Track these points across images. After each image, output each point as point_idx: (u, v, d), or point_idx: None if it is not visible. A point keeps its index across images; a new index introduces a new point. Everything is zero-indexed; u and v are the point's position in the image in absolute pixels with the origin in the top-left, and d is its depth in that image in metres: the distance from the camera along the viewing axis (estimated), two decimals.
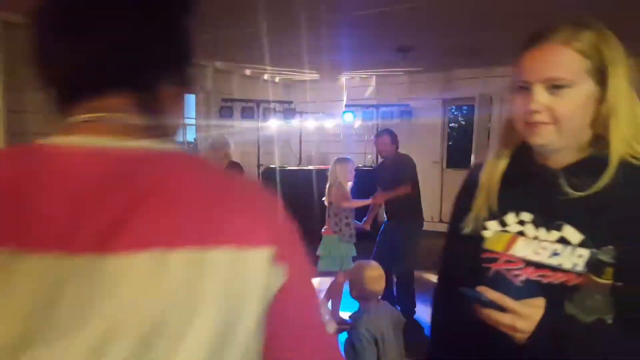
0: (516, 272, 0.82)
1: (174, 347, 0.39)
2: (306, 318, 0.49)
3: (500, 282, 0.82)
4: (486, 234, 0.89)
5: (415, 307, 3.64)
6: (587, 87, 0.78)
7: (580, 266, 0.76)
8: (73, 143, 0.45)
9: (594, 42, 0.79)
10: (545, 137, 0.80)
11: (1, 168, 0.44)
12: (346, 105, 7.05)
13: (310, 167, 6.68)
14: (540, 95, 0.79)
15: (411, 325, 3.11)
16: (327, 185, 3.62)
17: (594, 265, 0.75)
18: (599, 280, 0.74)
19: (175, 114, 0.51)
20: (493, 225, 0.88)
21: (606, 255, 0.74)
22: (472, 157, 6.49)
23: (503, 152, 0.90)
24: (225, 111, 6.18)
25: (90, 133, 0.45)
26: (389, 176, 3.60)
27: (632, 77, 0.81)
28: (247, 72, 7.11)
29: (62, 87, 0.47)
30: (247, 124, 6.38)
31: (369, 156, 6.97)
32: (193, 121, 6.58)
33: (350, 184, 3.60)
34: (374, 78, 7.49)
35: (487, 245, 0.88)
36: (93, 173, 0.43)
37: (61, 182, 0.42)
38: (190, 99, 6.50)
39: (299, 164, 7.19)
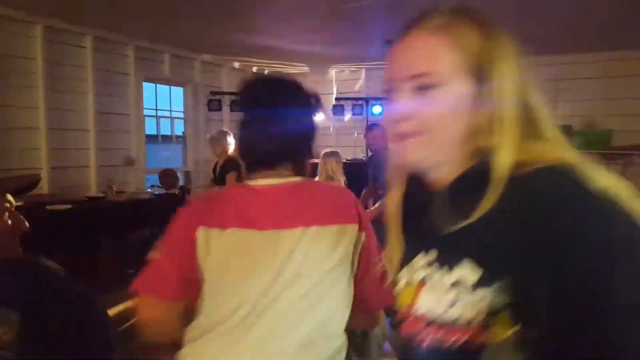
0: (420, 336, 0.64)
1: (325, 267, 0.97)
2: (372, 259, 1.01)
3: (408, 352, 0.66)
4: (397, 287, 0.70)
5: None
6: (462, 87, 0.62)
7: (483, 315, 0.57)
8: (261, 183, 1.03)
9: (473, 33, 0.65)
10: (415, 152, 0.63)
11: (233, 191, 1.14)
12: (336, 99, 7.03)
13: None
14: (405, 98, 0.63)
15: None
16: (319, 180, 3.61)
17: (495, 311, 0.57)
18: (503, 331, 0.56)
19: (308, 168, 1.13)
20: (403, 274, 0.70)
21: (503, 294, 0.56)
22: None
23: (396, 180, 0.73)
24: (214, 104, 6.12)
25: (263, 180, 1.04)
26: (384, 171, 3.64)
27: (529, 75, 0.68)
28: (236, 64, 7.03)
29: (255, 161, 1.05)
30: (235, 117, 6.31)
31: (359, 150, 6.98)
32: (181, 114, 6.48)
33: (343, 179, 3.60)
34: (363, 71, 7.48)
35: (399, 302, 0.69)
36: (274, 193, 1.01)
37: (259, 197, 1.01)
38: (178, 92, 6.41)
39: None
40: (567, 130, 5.43)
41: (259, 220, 0.96)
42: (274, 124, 1.02)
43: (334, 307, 0.96)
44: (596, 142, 5.87)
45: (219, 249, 0.95)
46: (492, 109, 0.62)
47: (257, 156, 1.04)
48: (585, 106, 6.07)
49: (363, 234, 1.02)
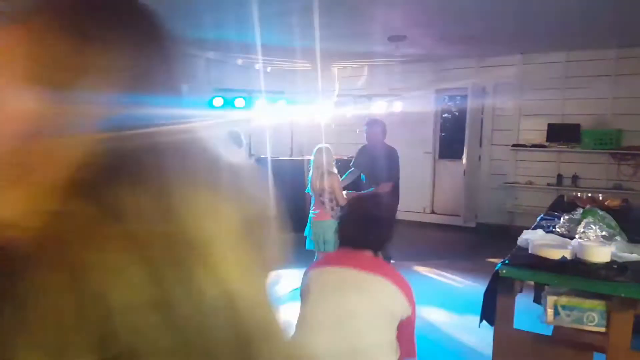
0: None
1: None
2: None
3: None
4: None
5: None
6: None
7: None
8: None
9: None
10: None
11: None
12: (338, 95, 7.01)
13: (302, 157, 6.66)
14: None
15: None
16: (316, 174, 3.65)
17: None
18: None
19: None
20: None
21: None
22: (465, 148, 6.51)
23: None
24: (217, 101, 6.12)
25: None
26: (377, 167, 3.62)
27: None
28: (239, 61, 7.03)
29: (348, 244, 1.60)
30: (238, 113, 6.31)
31: (360, 146, 6.96)
32: None
33: (336, 171, 3.68)
34: (366, 68, 7.45)
35: None
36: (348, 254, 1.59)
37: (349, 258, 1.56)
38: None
39: (291, 154, 7.16)
40: (576, 129, 5.41)
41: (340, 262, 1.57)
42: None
43: None
44: (606, 141, 5.81)
45: None
46: None
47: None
48: (595, 104, 6.00)
49: (410, 309, 1.52)
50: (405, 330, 1.44)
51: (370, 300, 1.38)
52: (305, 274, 1.57)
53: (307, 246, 3.65)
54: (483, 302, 2.25)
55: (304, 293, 1.52)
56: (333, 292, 1.43)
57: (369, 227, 1.52)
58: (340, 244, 1.57)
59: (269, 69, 7.72)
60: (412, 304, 1.46)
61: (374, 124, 3.81)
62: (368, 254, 1.52)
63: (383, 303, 1.39)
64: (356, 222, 1.55)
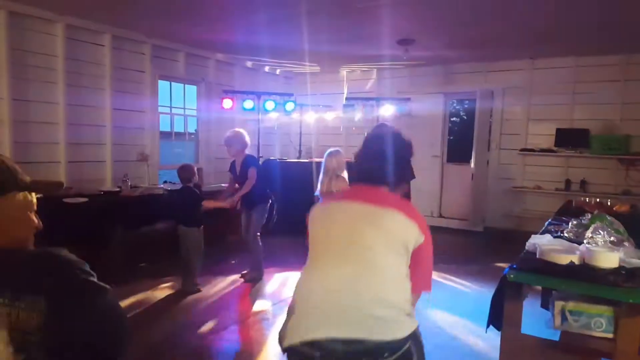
0: None
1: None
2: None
3: None
4: None
5: None
6: None
7: None
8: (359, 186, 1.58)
9: None
10: None
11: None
12: (347, 99, 7.05)
13: (310, 160, 6.69)
14: None
15: None
16: (328, 177, 3.67)
17: None
18: None
19: (402, 191, 1.58)
20: None
21: None
22: (473, 152, 6.50)
23: None
24: (227, 103, 6.18)
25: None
26: None
27: None
28: (249, 64, 7.10)
29: (365, 179, 1.56)
30: (247, 115, 6.37)
31: None
32: (194, 112, 6.58)
33: (346, 174, 3.70)
34: (375, 71, 7.48)
35: None
36: (368, 190, 1.54)
37: (361, 193, 1.53)
38: (192, 90, 6.50)
39: (299, 157, 7.20)
40: (584, 134, 5.38)
41: (354, 197, 1.57)
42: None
43: None
44: (614, 146, 5.78)
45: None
46: None
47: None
48: (603, 110, 5.97)
49: (424, 236, 1.48)
50: (419, 261, 1.41)
51: (381, 232, 1.39)
52: (312, 209, 1.57)
53: None
54: (490, 306, 2.27)
55: (313, 224, 1.52)
56: (342, 225, 1.44)
57: (386, 161, 1.50)
58: (356, 179, 1.57)
59: (278, 72, 7.78)
60: (425, 233, 1.43)
61: (383, 128, 3.83)
62: (384, 189, 1.50)
63: (395, 234, 1.39)
64: (372, 156, 1.54)
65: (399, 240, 1.39)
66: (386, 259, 1.37)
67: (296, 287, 1.47)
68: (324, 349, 1.26)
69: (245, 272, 4.49)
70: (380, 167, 1.50)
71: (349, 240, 1.40)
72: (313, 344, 1.28)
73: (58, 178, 4.69)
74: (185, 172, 4.07)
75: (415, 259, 1.41)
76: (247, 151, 4.39)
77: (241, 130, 4.47)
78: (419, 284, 1.43)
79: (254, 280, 4.37)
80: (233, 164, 4.42)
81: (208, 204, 4.08)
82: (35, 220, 1.05)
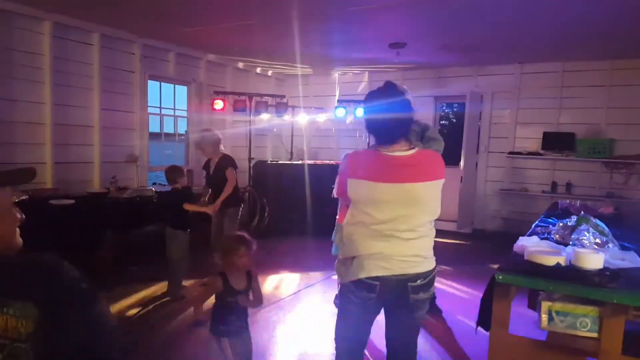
0: None
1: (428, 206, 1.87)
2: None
3: None
4: None
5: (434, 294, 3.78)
6: None
7: None
8: (389, 152, 1.81)
9: None
10: None
11: (364, 153, 1.91)
12: (338, 101, 7.07)
13: (301, 162, 6.70)
14: None
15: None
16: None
17: None
18: None
19: (411, 142, 1.90)
20: None
21: None
22: (462, 155, 6.58)
23: None
24: (218, 104, 6.16)
25: (396, 152, 1.82)
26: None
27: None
28: (240, 65, 7.08)
29: (381, 137, 1.86)
30: (238, 116, 6.36)
31: None
32: (185, 113, 6.53)
33: None
34: (366, 74, 7.52)
35: None
36: (397, 159, 1.81)
37: (388, 161, 1.81)
38: (182, 91, 6.46)
39: (291, 158, 7.20)
40: (570, 138, 5.47)
41: (395, 177, 1.81)
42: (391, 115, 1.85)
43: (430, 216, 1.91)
44: (599, 150, 5.90)
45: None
46: None
47: (384, 135, 1.85)
48: (590, 114, 6.09)
49: (443, 180, 1.89)
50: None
51: (425, 204, 1.84)
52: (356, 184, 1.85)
53: (333, 251, 3.60)
54: (480, 308, 2.29)
55: (358, 198, 1.85)
56: (391, 205, 1.82)
57: (397, 120, 1.83)
58: (378, 141, 1.87)
59: (270, 73, 7.77)
60: (444, 175, 1.89)
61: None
62: (402, 141, 1.83)
63: (435, 198, 1.87)
64: (386, 116, 1.83)
65: (434, 202, 1.87)
66: (422, 223, 1.86)
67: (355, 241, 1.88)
68: (382, 280, 1.82)
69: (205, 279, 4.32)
70: (393, 126, 1.83)
71: (399, 219, 1.83)
72: (376, 278, 1.82)
73: (44, 179, 4.62)
74: (170, 173, 4.00)
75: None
76: (224, 150, 4.24)
77: (210, 128, 4.41)
78: None
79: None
80: (207, 165, 4.29)
81: (189, 207, 3.93)
82: (17, 214, 1.03)
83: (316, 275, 4.72)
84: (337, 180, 1.95)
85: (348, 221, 1.88)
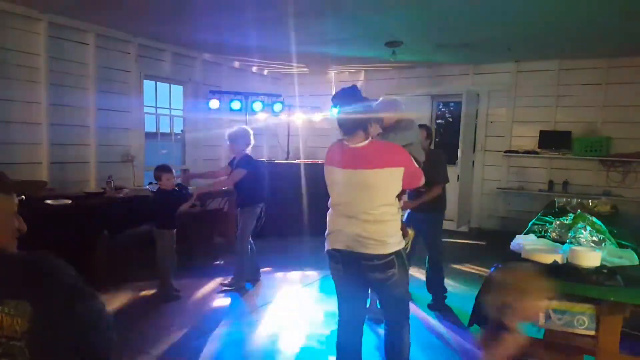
0: None
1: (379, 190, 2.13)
2: (412, 174, 2.22)
3: None
4: None
5: (446, 292, 3.85)
6: None
7: None
8: (349, 144, 2.16)
9: None
10: None
11: (334, 145, 2.27)
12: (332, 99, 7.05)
13: (298, 161, 6.69)
14: None
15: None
16: None
17: None
18: None
19: (373, 132, 2.25)
20: None
21: None
22: (459, 154, 6.58)
23: None
24: (213, 103, 6.14)
25: (351, 143, 2.15)
26: (425, 172, 3.63)
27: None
28: (236, 64, 7.06)
29: (343, 128, 2.19)
30: (235, 115, 6.34)
31: None
32: (181, 112, 6.51)
33: None
34: (363, 73, 7.52)
35: None
36: (353, 149, 2.14)
37: (347, 151, 2.16)
38: (178, 90, 6.43)
39: (287, 158, 7.19)
40: (567, 136, 5.49)
41: (350, 164, 2.12)
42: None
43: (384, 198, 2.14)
44: (596, 148, 5.93)
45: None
46: None
47: (344, 127, 2.17)
48: (586, 112, 6.11)
49: (402, 169, 2.11)
50: (409, 176, 2.14)
51: (376, 189, 2.08)
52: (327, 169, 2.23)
53: None
54: (474, 304, 2.30)
55: (330, 184, 2.23)
56: (346, 190, 2.14)
57: (355, 117, 2.14)
58: (341, 131, 2.19)
59: (266, 72, 7.76)
60: (403, 163, 2.11)
61: (420, 129, 3.86)
62: (360, 132, 2.12)
63: (388, 185, 2.09)
64: (348, 113, 2.16)
65: (388, 189, 2.10)
66: (375, 206, 2.08)
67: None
68: (342, 253, 2.14)
69: (226, 279, 4.30)
70: (352, 120, 2.13)
71: (352, 201, 2.12)
72: (338, 250, 2.15)
73: (40, 179, 4.59)
74: (155, 171, 3.99)
75: (407, 178, 2.14)
76: (248, 151, 4.25)
77: (247, 128, 4.39)
78: (415, 184, 2.27)
79: (235, 289, 4.13)
80: (232, 162, 4.30)
81: (184, 207, 4.00)
82: (18, 223, 1.02)
83: (313, 275, 4.72)
84: None
85: (329, 205, 2.25)
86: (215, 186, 4.28)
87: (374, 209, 2.06)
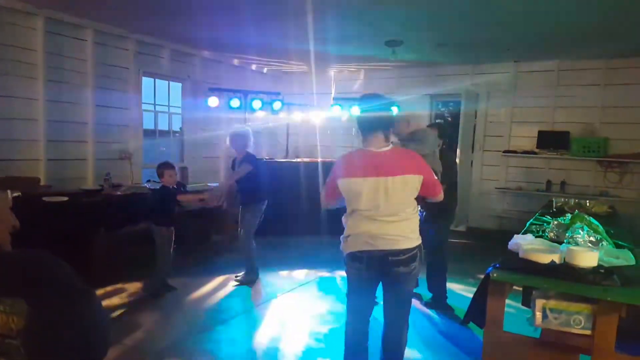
0: None
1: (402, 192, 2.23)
2: (429, 182, 2.31)
3: None
4: None
5: (446, 292, 3.86)
6: None
7: None
8: (370, 149, 2.27)
9: None
10: None
11: (353, 154, 2.35)
12: (334, 98, 7.05)
13: (297, 160, 6.68)
14: None
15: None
16: None
17: None
18: None
19: (391, 138, 2.35)
20: None
21: None
22: (458, 153, 6.59)
23: None
24: (212, 101, 6.12)
25: (372, 146, 2.26)
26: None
27: None
28: (235, 61, 7.04)
29: (363, 131, 2.30)
30: (234, 114, 6.33)
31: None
32: (179, 110, 6.49)
33: None
34: (362, 71, 7.51)
35: None
36: (378, 156, 2.23)
37: (370, 158, 2.24)
38: (177, 88, 6.42)
39: (286, 156, 7.18)
40: (565, 137, 5.51)
41: (374, 172, 2.20)
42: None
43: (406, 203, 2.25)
44: (594, 149, 5.94)
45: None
46: None
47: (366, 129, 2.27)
48: (584, 113, 6.12)
49: (422, 177, 2.23)
50: (427, 185, 2.25)
51: (402, 192, 2.20)
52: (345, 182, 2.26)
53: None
54: (472, 302, 2.31)
55: (348, 191, 2.27)
56: (371, 195, 2.21)
57: (378, 115, 2.27)
58: (362, 132, 2.29)
59: (265, 70, 7.74)
60: (422, 172, 2.23)
61: (432, 128, 3.90)
62: (380, 135, 2.24)
63: (408, 190, 2.21)
64: (369, 114, 2.29)
65: (408, 193, 2.22)
66: (400, 210, 2.21)
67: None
68: (368, 254, 2.22)
69: (238, 274, 4.37)
70: (375, 120, 2.27)
71: (379, 206, 2.21)
72: (362, 251, 2.23)
73: (38, 176, 4.57)
74: (158, 167, 4.03)
75: (425, 187, 2.25)
76: (250, 150, 4.31)
77: (247, 128, 4.45)
78: (432, 194, 2.36)
79: (247, 283, 4.27)
80: (234, 162, 4.37)
81: (184, 197, 4.04)
82: (12, 220, 1.02)
83: (311, 273, 4.72)
84: (328, 179, 2.35)
85: (347, 211, 2.30)
86: (230, 179, 4.34)
87: (400, 212, 2.20)
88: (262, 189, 4.34)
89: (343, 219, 2.35)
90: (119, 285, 4.06)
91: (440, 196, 2.36)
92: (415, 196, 2.25)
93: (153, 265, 3.94)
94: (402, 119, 2.87)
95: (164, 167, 3.97)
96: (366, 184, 2.18)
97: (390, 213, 2.18)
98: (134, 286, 4.09)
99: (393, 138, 2.44)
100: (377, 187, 2.17)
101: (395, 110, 2.89)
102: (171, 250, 3.96)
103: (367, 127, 2.25)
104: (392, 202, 2.18)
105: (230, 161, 4.57)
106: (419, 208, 2.39)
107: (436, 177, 2.36)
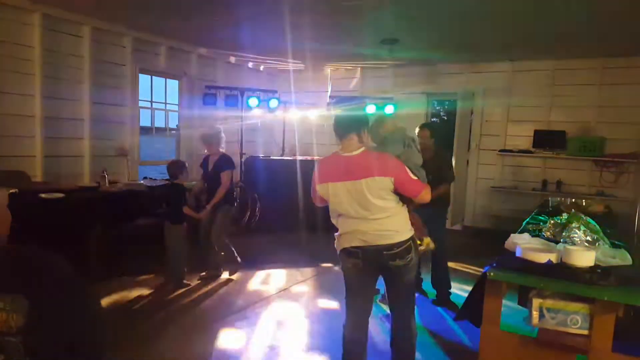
0: None
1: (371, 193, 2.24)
2: (404, 181, 2.29)
3: None
4: None
5: (450, 287, 3.91)
6: None
7: None
8: (343, 153, 2.32)
9: None
10: None
11: (328, 159, 2.44)
12: (330, 97, 7.05)
13: (293, 157, 6.67)
14: None
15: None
16: None
17: None
18: None
19: (366, 141, 2.37)
20: None
21: None
22: (454, 152, 6.61)
23: None
24: (209, 98, 6.09)
25: (345, 150, 2.32)
26: (430, 170, 3.64)
27: None
28: (232, 59, 7.01)
29: (338, 134, 2.36)
30: (230, 111, 6.31)
31: None
32: (176, 107, 6.46)
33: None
34: (359, 70, 7.50)
35: None
36: (349, 160, 2.29)
37: (341, 162, 2.30)
38: (174, 85, 6.38)
39: (282, 154, 7.17)
40: (561, 136, 5.54)
41: (345, 176, 2.26)
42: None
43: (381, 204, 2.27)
44: (590, 148, 5.97)
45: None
46: None
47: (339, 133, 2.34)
48: (580, 112, 6.15)
49: (392, 178, 2.22)
50: (402, 184, 2.25)
51: (370, 194, 2.21)
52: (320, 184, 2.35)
53: None
54: (467, 300, 2.33)
55: (329, 197, 2.34)
56: (347, 198, 2.26)
57: (350, 118, 2.41)
58: (337, 136, 2.35)
59: (261, 68, 7.72)
60: (394, 173, 2.22)
61: (424, 128, 3.96)
62: (354, 137, 2.29)
63: (381, 190, 2.21)
64: (343, 117, 2.39)
65: (382, 193, 2.22)
66: (382, 208, 2.23)
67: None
68: (362, 249, 2.27)
69: (203, 273, 4.33)
70: (348, 124, 2.34)
71: (358, 208, 2.26)
72: (357, 247, 2.28)
73: (34, 173, 4.54)
74: (172, 167, 4.04)
75: (400, 187, 2.26)
76: (222, 149, 4.25)
77: (218, 126, 4.41)
78: (412, 191, 2.30)
79: (212, 277, 4.29)
80: (206, 160, 4.30)
81: (187, 211, 4.09)
82: (7, 215, 1.02)
83: (307, 271, 4.72)
84: (312, 184, 2.43)
85: (333, 214, 2.37)
86: (218, 196, 4.22)
87: (383, 210, 2.23)
88: (233, 191, 4.40)
89: (332, 220, 2.38)
90: (115, 282, 4.04)
91: (424, 197, 2.30)
92: (391, 194, 2.25)
93: (164, 261, 4.02)
94: (377, 121, 2.85)
95: (177, 170, 4.03)
96: (342, 188, 2.24)
97: (373, 212, 2.22)
98: (130, 283, 4.08)
99: (370, 142, 2.44)
100: (351, 190, 2.23)
101: (371, 110, 2.95)
102: (186, 244, 4.07)
103: (341, 130, 2.31)
104: (371, 202, 2.21)
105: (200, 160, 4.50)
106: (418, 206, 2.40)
107: (415, 175, 2.31)
